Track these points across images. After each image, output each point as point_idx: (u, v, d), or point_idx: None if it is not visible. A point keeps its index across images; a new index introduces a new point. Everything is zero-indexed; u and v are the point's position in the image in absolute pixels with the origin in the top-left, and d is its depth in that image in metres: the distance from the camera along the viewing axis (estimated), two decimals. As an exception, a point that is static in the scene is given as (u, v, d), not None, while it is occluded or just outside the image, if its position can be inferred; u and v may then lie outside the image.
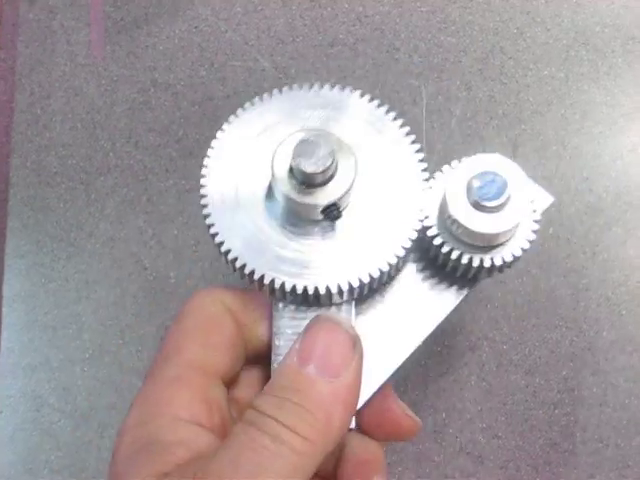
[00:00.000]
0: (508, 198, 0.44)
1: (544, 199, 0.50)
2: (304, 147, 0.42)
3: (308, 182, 0.43)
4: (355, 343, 0.41)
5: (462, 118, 0.70)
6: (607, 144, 0.69)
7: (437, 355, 0.62)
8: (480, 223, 0.44)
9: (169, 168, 0.71)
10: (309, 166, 0.42)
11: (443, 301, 0.48)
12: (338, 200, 0.43)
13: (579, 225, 0.67)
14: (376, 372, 0.45)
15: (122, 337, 0.68)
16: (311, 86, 0.49)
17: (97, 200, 0.70)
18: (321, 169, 0.42)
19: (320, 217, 0.44)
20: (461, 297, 0.48)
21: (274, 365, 0.45)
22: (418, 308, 0.47)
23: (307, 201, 0.43)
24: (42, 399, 0.67)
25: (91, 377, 0.67)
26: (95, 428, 0.66)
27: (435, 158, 0.69)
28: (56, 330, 0.68)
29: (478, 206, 0.44)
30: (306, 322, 0.42)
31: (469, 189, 0.44)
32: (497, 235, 0.44)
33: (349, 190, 0.43)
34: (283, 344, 0.45)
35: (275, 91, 0.49)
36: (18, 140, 0.72)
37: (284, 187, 0.43)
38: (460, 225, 0.44)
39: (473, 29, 0.72)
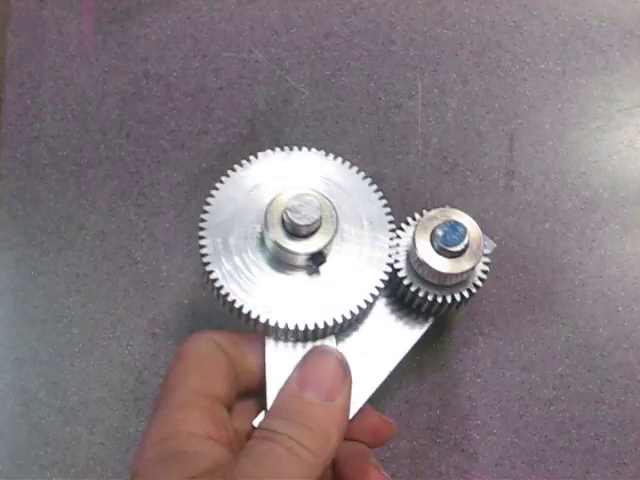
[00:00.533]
0: (467, 244, 0.52)
1: (489, 245, 0.57)
2: (295, 203, 0.50)
3: (297, 233, 0.51)
4: (346, 371, 0.49)
5: (458, 112, 0.69)
6: (604, 139, 0.68)
7: (432, 351, 0.62)
8: (443, 265, 0.52)
9: (161, 160, 0.70)
10: (299, 219, 0.50)
11: (410, 331, 0.57)
12: (323, 248, 0.51)
13: (575, 221, 0.67)
14: (358, 394, 0.52)
15: (113, 331, 0.67)
16: (294, 150, 0.57)
17: (88, 192, 0.69)
18: (310, 222, 0.50)
19: (306, 263, 0.52)
20: (425, 328, 0.57)
21: (269, 393, 0.51)
22: (389, 337, 0.56)
23: (295, 249, 0.51)
24: (31, 394, 0.66)
25: (81, 371, 0.66)
26: (85, 423, 0.65)
27: (431, 152, 0.68)
28: (45, 324, 0.67)
29: (442, 251, 0.52)
30: (294, 354, 0.52)
31: (434, 237, 0.53)
32: (458, 275, 0.53)
33: (331, 241, 0.51)
34: (275, 374, 0.52)
35: (260, 155, 0.56)
36: (7, 131, 0.71)
37: (276, 236, 0.51)
38: (427, 267, 0.53)
39: (469, 22, 0.71)
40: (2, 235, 0.69)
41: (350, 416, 0.52)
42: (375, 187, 0.55)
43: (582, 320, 0.65)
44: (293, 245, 0.51)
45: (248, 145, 0.69)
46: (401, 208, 0.67)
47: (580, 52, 0.70)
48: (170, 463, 0.45)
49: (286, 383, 0.48)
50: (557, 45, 0.70)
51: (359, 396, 0.54)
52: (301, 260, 0.52)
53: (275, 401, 0.48)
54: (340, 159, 0.56)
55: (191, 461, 0.44)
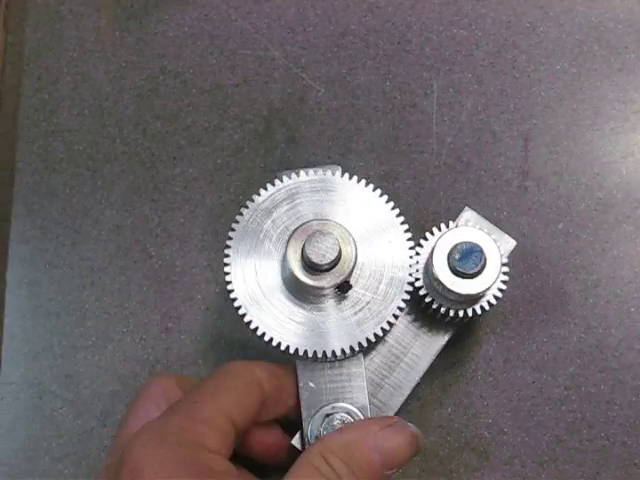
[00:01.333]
0: (484, 265, 0.53)
1: (507, 243, 0.58)
2: (313, 240, 0.52)
3: (317, 269, 0.52)
4: (419, 448, 0.52)
5: (473, 111, 0.69)
6: (618, 141, 0.68)
7: (444, 349, 0.62)
8: (461, 286, 0.54)
9: (176, 156, 0.70)
10: (318, 258, 0.52)
11: (434, 340, 0.59)
12: (346, 278, 0.53)
13: (589, 221, 0.67)
14: (390, 402, 0.57)
15: (126, 325, 0.67)
16: (313, 171, 0.57)
17: (103, 187, 0.70)
18: (328, 260, 0.52)
19: (328, 292, 0.53)
20: (448, 336, 0.59)
21: (304, 413, 0.55)
22: (414, 347, 0.58)
23: (316, 284, 0.53)
24: (44, 386, 0.66)
25: (94, 365, 0.66)
26: (97, 416, 0.65)
27: (445, 151, 0.68)
28: (59, 317, 0.67)
29: (459, 273, 0.53)
30: (324, 373, 0.56)
31: (450, 259, 0.54)
32: (477, 294, 0.54)
33: (351, 272, 0.53)
34: (308, 396, 0.56)
35: (276, 181, 0.57)
36: (24, 125, 0.71)
37: (297, 274, 0.52)
38: (446, 288, 0.54)
39: (485, 22, 0.72)
40: (18, 228, 0.69)
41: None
42: (392, 204, 0.56)
43: (594, 321, 0.65)
44: (313, 280, 0.52)
45: (263, 142, 0.70)
46: (415, 207, 0.67)
47: (596, 54, 0.70)
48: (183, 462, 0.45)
49: (363, 442, 0.49)
50: (572, 46, 0.70)
51: (393, 404, 0.58)
52: (323, 292, 0.53)
53: (347, 451, 0.49)
54: (355, 178, 0.57)
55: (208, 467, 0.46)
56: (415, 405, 0.64)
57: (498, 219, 0.66)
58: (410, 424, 0.51)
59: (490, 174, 0.68)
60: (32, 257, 0.69)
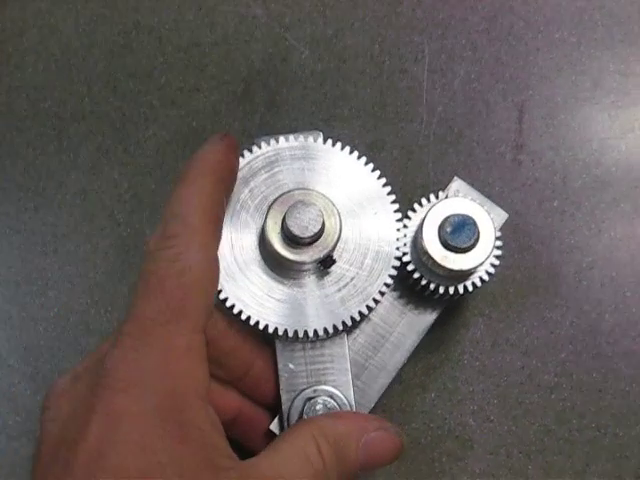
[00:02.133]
0: (477, 239, 0.50)
1: (499, 216, 0.55)
2: (294, 212, 0.48)
3: (299, 242, 0.49)
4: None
5: (466, 79, 0.65)
6: (618, 115, 0.65)
7: (429, 330, 0.58)
8: (453, 261, 0.50)
9: (149, 117, 0.66)
10: (300, 230, 0.48)
11: (422, 318, 0.56)
12: (329, 253, 0.50)
13: (585, 200, 0.63)
14: (376, 383, 0.54)
15: (91, 296, 0.63)
16: (293, 137, 0.53)
17: (69, 148, 0.66)
18: (311, 233, 0.48)
19: (310, 267, 0.50)
20: (436, 315, 0.56)
21: (284, 396, 0.53)
22: (401, 326, 0.55)
23: (297, 259, 0.49)
24: (1, 359, 0.62)
25: (55, 338, 0.63)
26: (57, 392, 0.61)
27: (435, 120, 0.65)
28: (19, 285, 0.64)
29: (451, 247, 0.50)
30: (304, 354, 0.53)
31: (442, 231, 0.50)
32: (469, 270, 0.51)
33: (335, 246, 0.50)
34: (288, 379, 0.53)
35: (264, 145, 0.53)
36: (-14, 79, 0.67)
37: (277, 247, 0.49)
38: (436, 263, 0.51)
39: (482, -15, 0.68)
40: (-24, 189, 0.65)
41: (370, 406, 0.55)
42: (378, 174, 0.53)
43: (588, 305, 0.62)
44: (294, 255, 0.49)
45: (242, 105, 0.66)
46: (403, 179, 0.64)
47: (597, 22, 0.66)
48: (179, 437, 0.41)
49: (355, 439, 0.47)
50: (573, 14, 0.66)
51: (377, 386, 0.55)
52: (303, 267, 0.50)
53: (339, 443, 0.46)
54: (339, 145, 0.53)
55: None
56: (397, 389, 0.61)
57: (490, 194, 0.62)
58: (400, 434, 0.48)
59: (482, 146, 0.64)
60: (-9, 221, 0.64)
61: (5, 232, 0.64)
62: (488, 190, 0.63)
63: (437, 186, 0.63)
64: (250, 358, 0.53)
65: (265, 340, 0.53)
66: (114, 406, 0.40)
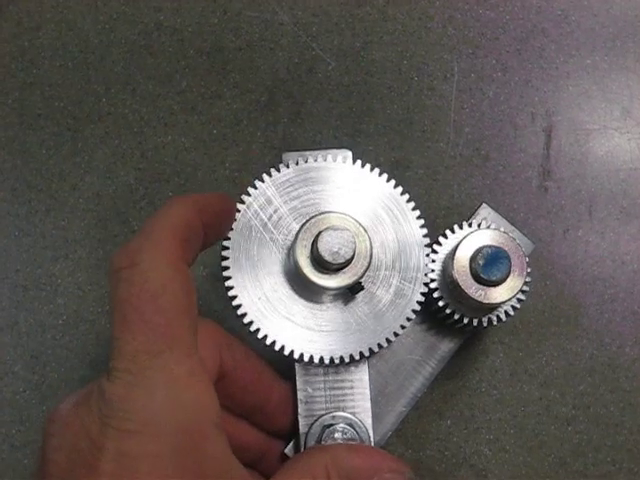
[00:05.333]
0: (509, 272, 0.49)
1: (526, 246, 0.54)
2: (326, 237, 0.47)
3: (328, 267, 0.47)
4: None
5: (495, 101, 0.64)
6: (647, 146, 0.64)
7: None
8: (482, 294, 0.49)
9: (168, 122, 0.64)
10: (331, 256, 0.47)
11: (445, 345, 0.55)
12: (359, 279, 0.48)
13: (610, 231, 0.62)
14: (396, 409, 0.54)
15: (101, 305, 0.62)
16: (321, 157, 0.51)
17: (84, 150, 0.63)
18: (342, 260, 0.47)
19: (337, 292, 0.49)
20: (459, 343, 0.55)
21: (302, 421, 0.51)
22: (422, 353, 0.54)
23: (326, 284, 0.48)
24: (6, 366, 0.61)
25: (63, 346, 0.61)
26: (64, 403, 0.60)
27: (462, 141, 0.63)
28: (27, 290, 0.62)
29: (481, 280, 0.49)
30: (324, 379, 0.52)
31: (473, 263, 0.49)
32: (499, 303, 0.50)
33: (365, 272, 0.48)
34: (306, 404, 0.52)
35: (291, 164, 0.51)
36: (0, 74, 0.64)
37: (306, 271, 0.48)
38: (464, 294, 0.50)
39: (514, 5, 0.66)
40: (-14, 188, 0.63)
41: (387, 435, 0.54)
42: (407, 197, 0.51)
43: (608, 337, 0.61)
44: (325, 280, 0.48)
45: (265, 115, 0.64)
46: (427, 200, 0.62)
47: (629, 50, 0.65)
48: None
49: (369, 476, 0.45)
50: (606, 40, 0.66)
51: (395, 413, 0.54)
52: (330, 292, 0.49)
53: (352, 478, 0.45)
54: (368, 167, 0.51)
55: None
56: (413, 415, 0.60)
57: (514, 220, 0.61)
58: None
59: (509, 170, 0.63)
60: (0, 222, 0.62)
61: (15, 234, 0.62)
62: (513, 216, 0.62)
63: (461, 208, 0.62)
64: (267, 393, 0.51)
65: (281, 372, 0.52)
66: (128, 448, 0.38)
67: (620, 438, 0.60)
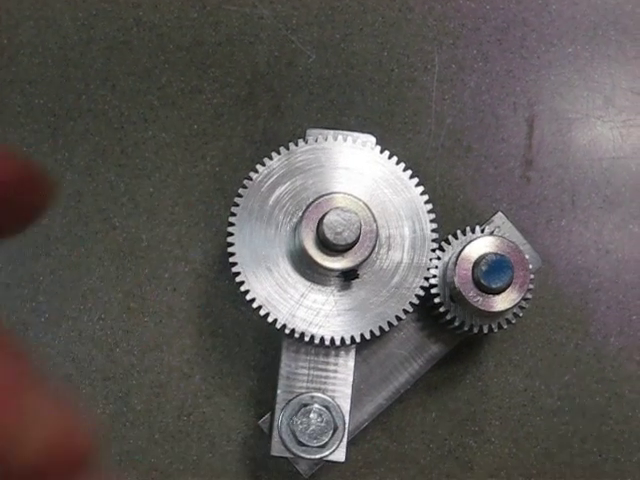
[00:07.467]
0: (510, 282, 0.49)
1: (533, 260, 0.54)
2: (333, 217, 0.47)
3: (332, 248, 0.48)
4: None
5: (476, 91, 0.64)
6: (630, 135, 0.63)
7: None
8: (483, 302, 0.49)
9: (148, 118, 0.64)
10: (338, 239, 0.47)
11: (437, 347, 0.55)
12: (360, 263, 0.48)
13: (593, 220, 0.62)
14: (376, 401, 0.54)
15: (83, 302, 0.61)
16: (342, 137, 0.52)
17: (65, 147, 0.63)
18: (346, 242, 0.47)
19: (336, 275, 0.49)
20: (453, 345, 0.55)
21: (280, 396, 0.52)
22: (414, 350, 0.55)
23: (329, 265, 0.48)
24: (-12, 365, 0.60)
25: (45, 344, 0.61)
26: (47, 401, 0.60)
27: (444, 133, 0.63)
28: (9, 288, 0.61)
29: (483, 287, 0.49)
30: (309, 358, 0.52)
31: (476, 269, 0.49)
32: (498, 312, 0.50)
33: (368, 258, 0.48)
34: (287, 379, 0.53)
35: (301, 143, 0.51)
36: (-22, 71, 0.64)
37: (310, 251, 0.48)
38: (464, 300, 0.50)
39: (495, -5, 0.66)
40: (-34, 187, 0.62)
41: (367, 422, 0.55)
42: (422, 189, 0.52)
43: (593, 327, 0.61)
44: (328, 261, 0.48)
45: (245, 109, 0.64)
46: (408, 192, 0.62)
47: (611, 38, 0.65)
48: None
49: None
50: (587, 29, 0.65)
51: (375, 404, 0.55)
52: (332, 273, 0.49)
53: None
54: (387, 154, 0.52)
55: None
56: (397, 407, 0.60)
57: (497, 210, 0.61)
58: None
59: (491, 161, 0.63)
60: (-19, 220, 0.62)
61: (-5, 232, 0.62)
62: (495, 206, 0.62)
63: (443, 200, 0.62)
64: None
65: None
66: None
67: (606, 428, 0.60)
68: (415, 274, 0.50)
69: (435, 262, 0.51)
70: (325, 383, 0.52)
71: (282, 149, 0.51)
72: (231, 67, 0.64)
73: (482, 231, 0.53)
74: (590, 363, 0.60)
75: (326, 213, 0.47)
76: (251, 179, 0.51)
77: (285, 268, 0.50)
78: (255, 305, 0.50)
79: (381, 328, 0.50)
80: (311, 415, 0.51)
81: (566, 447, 0.60)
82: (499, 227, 0.54)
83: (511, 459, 0.59)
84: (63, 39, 0.65)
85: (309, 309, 0.50)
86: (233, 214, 0.50)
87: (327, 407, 0.51)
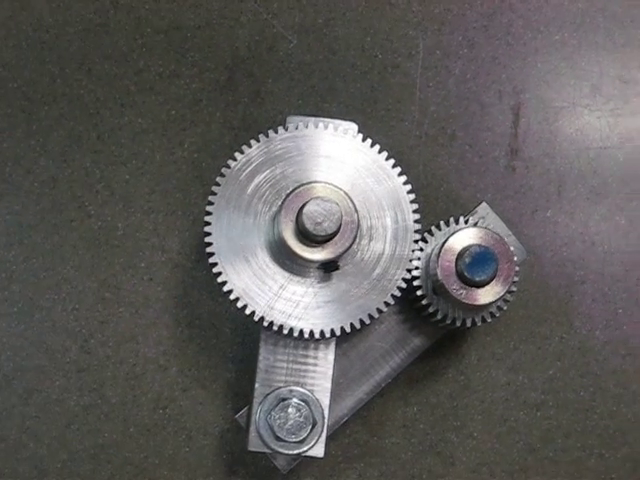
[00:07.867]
0: (494, 275, 0.48)
1: (518, 251, 0.53)
2: (313, 207, 0.46)
3: (312, 239, 0.47)
4: None
5: (461, 79, 0.63)
6: (617, 124, 0.62)
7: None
8: (467, 295, 0.48)
9: (125, 103, 0.62)
10: (317, 230, 0.46)
11: (419, 340, 0.54)
12: (340, 255, 0.47)
13: (580, 211, 0.61)
14: (356, 395, 0.54)
15: (57, 292, 0.60)
16: (323, 124, 0.51)
17: (39, 132, 0.62)
18: (326, 232, 0.46)
19: (315, 267, 0.48)
20: (435, 339, 0.54)
21: (258, 390, 0.51)
22: (395, 343, 0.54)
23: (308, 256, 0.47)
24: (-41, 355, 0.59)
25: (18, 335, 0.60)
26: (19, 393, 0.59)
27: (427, 120, 0.62)
28: (-20, 278, 0.60)
29: (466, 279, 0.48)
30: (288, 351, 0.52)
31: (460, 261, 0.48)
32: (481, 305, 0.49)
33: (348, 249, 0.47)
34: (266, 373, 0.52)
35: (281, 130, 0.50)
36: (-50, 54, 0.63)
37: (290, 241, 0.47)
38: (447, 293, 0.49)
39: (481, -21, 0.65)
40: (-63, 173, 0.61)
41: (344, 418, 0.54)
42: (409, 187, 0.51)
43: (578, 320, 0.60)
44: (305, 252, 0.47)
45: (224, 95, 0.62)
46: (391, 181, 0.61)
47: (599, 25, 0.64)
48: None
49: None
50: (574, 15, 0.64)
51: (355, 398, 0.54)
52: (312, 264, 0.48)
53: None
54: (369, 142, 0.52)
55: None
56: (377, 400, 0.59)
57: (481, 201, 0.60)
58: None
59: (475, 150, 0.62)
60: (-48, 207, 0.61)
61: (-33, 220, 0.60)
62: (480, 196, 0.61)
63: (426, 190, 0.61)
64: None
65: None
66: None
67: (590, 423, 0.59)
68: (397, 266, 0.49)
69: (418, 254, 0.51)
70: (304, 377, 0.52)
71: (261, 136, 0.50)
72: (210, 51, 0.63)
73: (466, 222, 0.52)
74: (575, 357, 0.60)
75: (306, 203, 0.47)
76: (229, 167, 0.50)
77: (263, 259, 0.49)
78: (232, 297, 0.49)
79: (362, 321, 0.49)
80: (289, 410, 0.50)
81: (549, 442, 0.59)
82: (483, 218, 0.53)
83: (493, 454, 0.59)
84: (38, 21, 0.63)
85: (288, 301, 0.49)
86: (211, 203, 0.49)
87: (306, 401, 0.51)
